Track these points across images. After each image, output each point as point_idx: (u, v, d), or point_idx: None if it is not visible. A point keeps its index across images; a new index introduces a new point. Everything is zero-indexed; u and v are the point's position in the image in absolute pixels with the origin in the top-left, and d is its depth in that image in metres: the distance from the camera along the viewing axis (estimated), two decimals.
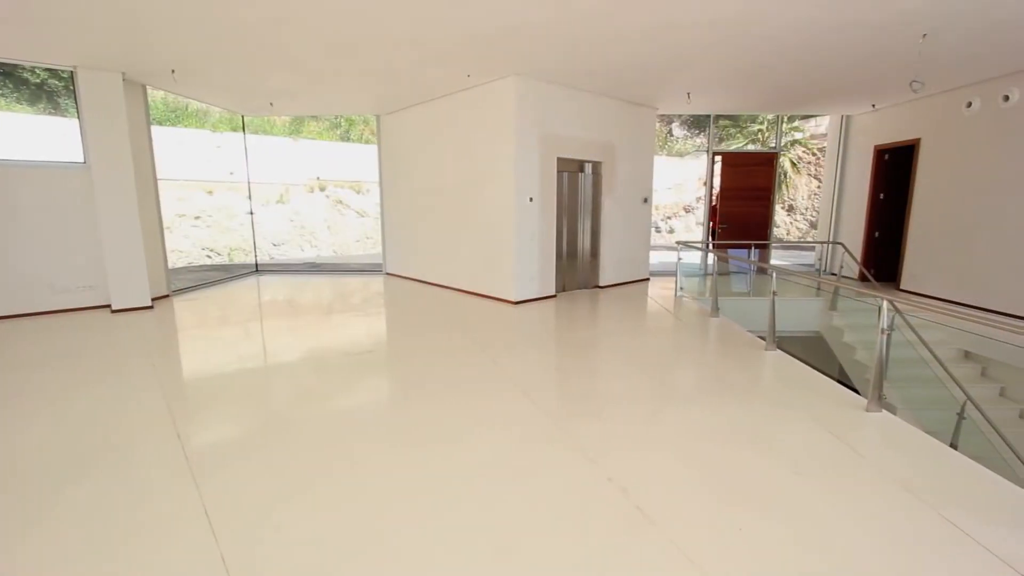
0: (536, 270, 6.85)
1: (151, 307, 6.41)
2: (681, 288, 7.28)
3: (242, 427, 3.15)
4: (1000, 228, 6.16)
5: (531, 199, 6.60)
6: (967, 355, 5.85)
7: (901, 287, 7.59)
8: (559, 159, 6.89)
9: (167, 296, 7.10)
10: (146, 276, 6.36)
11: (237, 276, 9.31)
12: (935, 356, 4.42)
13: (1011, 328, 2.50)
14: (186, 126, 14.16)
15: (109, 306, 6.28)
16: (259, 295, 7.75)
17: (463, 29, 4.56)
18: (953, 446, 3.07)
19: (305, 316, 6.31)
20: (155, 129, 6.98)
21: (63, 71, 5.93)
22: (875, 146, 8.24)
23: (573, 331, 5.52)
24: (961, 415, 4.09)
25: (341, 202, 17.08)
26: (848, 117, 8.96)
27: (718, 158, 9.47)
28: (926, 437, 2.91)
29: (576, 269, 7.64)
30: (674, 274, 7.54)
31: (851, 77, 6.31)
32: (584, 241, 7.64)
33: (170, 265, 7.43)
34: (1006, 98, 5.99)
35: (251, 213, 10.09)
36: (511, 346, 4.87)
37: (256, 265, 10.12)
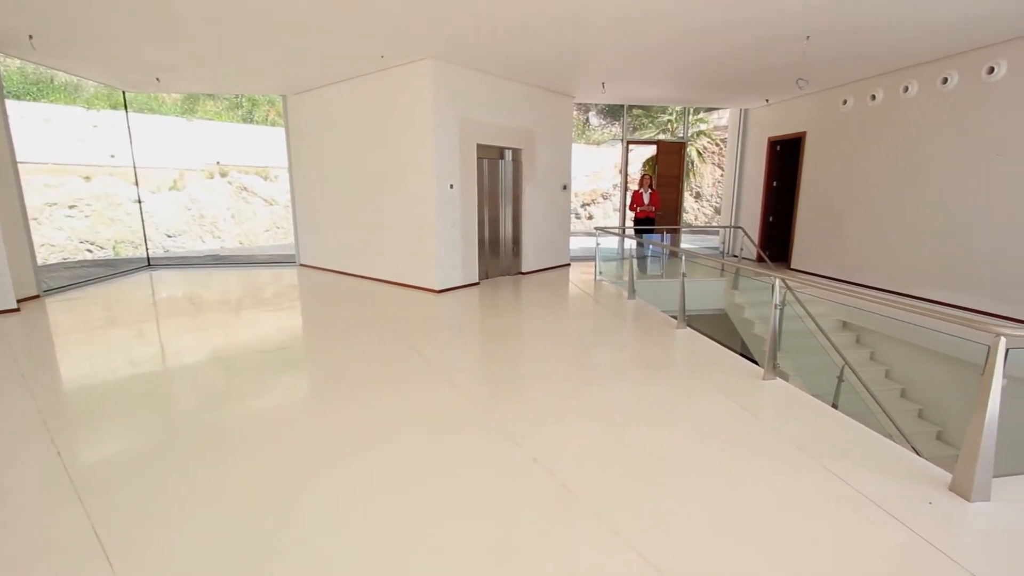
0: (459, 258, 6.79)
1: (17, 310, 5.59)
2: (600, 273, 7.56)
3: (137, 439, 2.84)
4: (870, 212, 7.00)
5: (452, 186, 6.50)
6: (845, 325, 6.60)
7: (792, 266, 8.42)
8: (479, 145, 6.83)
9: (37, 297, 6.21)
10: (8, 274, 5.51)
11: (125, 272, 8.36)
12: (819, 327, 4.96)
13: (879, 301, 2.85)
14: (52, 101, 12.34)
15: None
16: (153, 292, 7.01)
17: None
18: (835, 406, 3.47)
19: (209, 313, 5.81)
20: (11, 104, 6.05)
21: None
22: (768, 138, 9.01)
23: (497, 317, 5.55)
24: (840, 378, 4.62)
25: (246, 189, 15.82)
26: (746, 111, 9.70)
27: (634, 146, 9.86)
28: (812, 400, 3.27)
29: (499, 256, 7.67)
30: (593, 259, 7.80)
31: (747, 73, 6.81)
32: (506, 228, 7.68)
33: (40, 261, 6.53)
34: (873, 97, 6.78)
35: (139, 201, 9.08)
36: (435, 335, 4.80)
37: (148, 259, 9.15)
